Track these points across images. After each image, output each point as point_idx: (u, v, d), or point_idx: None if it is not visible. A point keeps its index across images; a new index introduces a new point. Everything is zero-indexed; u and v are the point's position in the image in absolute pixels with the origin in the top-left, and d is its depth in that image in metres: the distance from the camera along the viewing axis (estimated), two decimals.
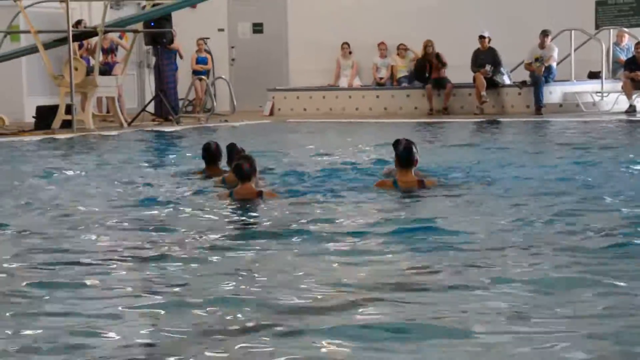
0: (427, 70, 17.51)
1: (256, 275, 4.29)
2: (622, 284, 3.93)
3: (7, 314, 3.66)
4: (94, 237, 5.37)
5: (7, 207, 6.59)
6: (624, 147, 10.38)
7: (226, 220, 6.01)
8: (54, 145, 12.42)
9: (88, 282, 4.19)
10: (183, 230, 5.48)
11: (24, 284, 4.17)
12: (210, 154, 7.85)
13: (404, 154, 6.66)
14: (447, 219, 5.57)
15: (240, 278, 4.24)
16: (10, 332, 3.41)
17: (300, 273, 4.29)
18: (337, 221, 5.64)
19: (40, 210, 6.40)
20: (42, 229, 5.65)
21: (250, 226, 5.76)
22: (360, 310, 3.65)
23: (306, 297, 3.84)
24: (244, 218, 6.06)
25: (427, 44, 17.49)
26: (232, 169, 6.68)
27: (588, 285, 3.92)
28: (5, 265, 4.61)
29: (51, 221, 5.98)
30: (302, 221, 5.61)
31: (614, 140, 11.45)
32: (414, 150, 6.67)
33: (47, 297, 3.93)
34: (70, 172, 8.74)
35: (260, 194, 6.42)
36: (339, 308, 3.66)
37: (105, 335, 3.37)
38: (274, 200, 6.43)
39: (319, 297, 3.86)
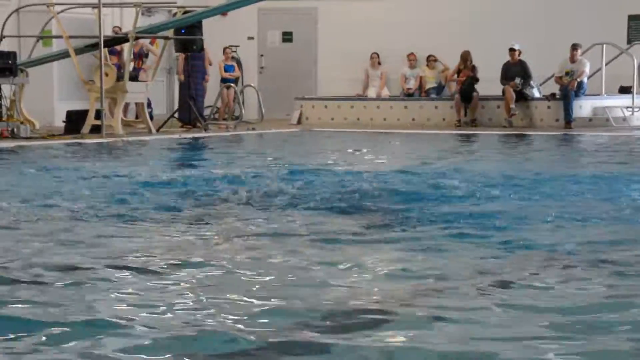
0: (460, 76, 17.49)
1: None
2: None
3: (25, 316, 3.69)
4: (113, 239, 5.40)
5: (29, 208, 6.64)
6: None
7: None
8: (82, 150, 12.50)
9: (114, 285, 4.21)
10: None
11: (38, 287, 4.20)
12: None
13: None
14: None
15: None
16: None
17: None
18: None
19: (61, 213, 6.44)
20: (61, 231, 5.69)
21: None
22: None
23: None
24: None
25: (468, 57, 17.39)
26: None
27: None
28: (22, 266, 4.64)
29: (71, 223, 6.01)
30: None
31: None
32: None
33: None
34: (96, 175, 8.79)
35: None
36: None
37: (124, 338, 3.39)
38: None
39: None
